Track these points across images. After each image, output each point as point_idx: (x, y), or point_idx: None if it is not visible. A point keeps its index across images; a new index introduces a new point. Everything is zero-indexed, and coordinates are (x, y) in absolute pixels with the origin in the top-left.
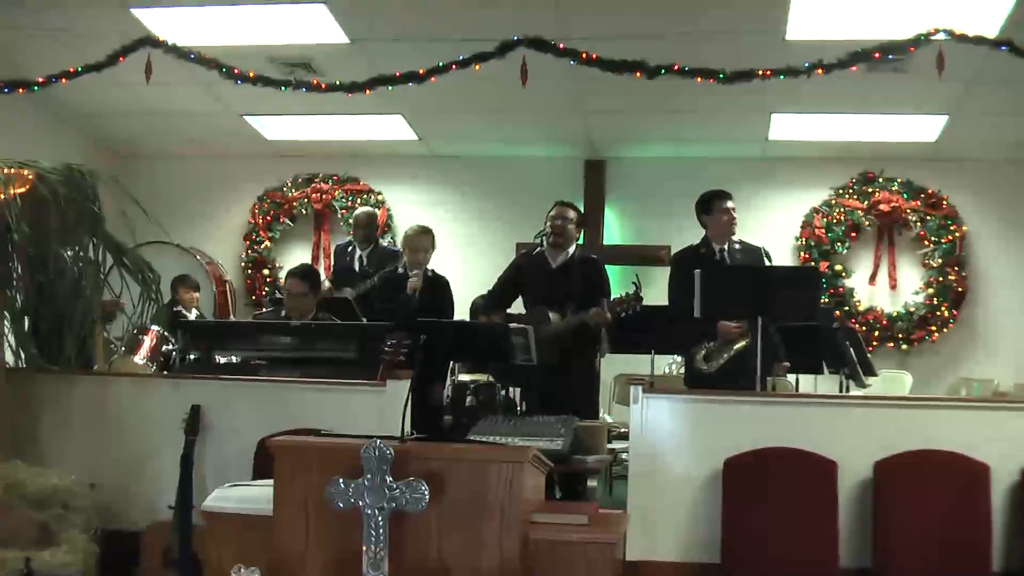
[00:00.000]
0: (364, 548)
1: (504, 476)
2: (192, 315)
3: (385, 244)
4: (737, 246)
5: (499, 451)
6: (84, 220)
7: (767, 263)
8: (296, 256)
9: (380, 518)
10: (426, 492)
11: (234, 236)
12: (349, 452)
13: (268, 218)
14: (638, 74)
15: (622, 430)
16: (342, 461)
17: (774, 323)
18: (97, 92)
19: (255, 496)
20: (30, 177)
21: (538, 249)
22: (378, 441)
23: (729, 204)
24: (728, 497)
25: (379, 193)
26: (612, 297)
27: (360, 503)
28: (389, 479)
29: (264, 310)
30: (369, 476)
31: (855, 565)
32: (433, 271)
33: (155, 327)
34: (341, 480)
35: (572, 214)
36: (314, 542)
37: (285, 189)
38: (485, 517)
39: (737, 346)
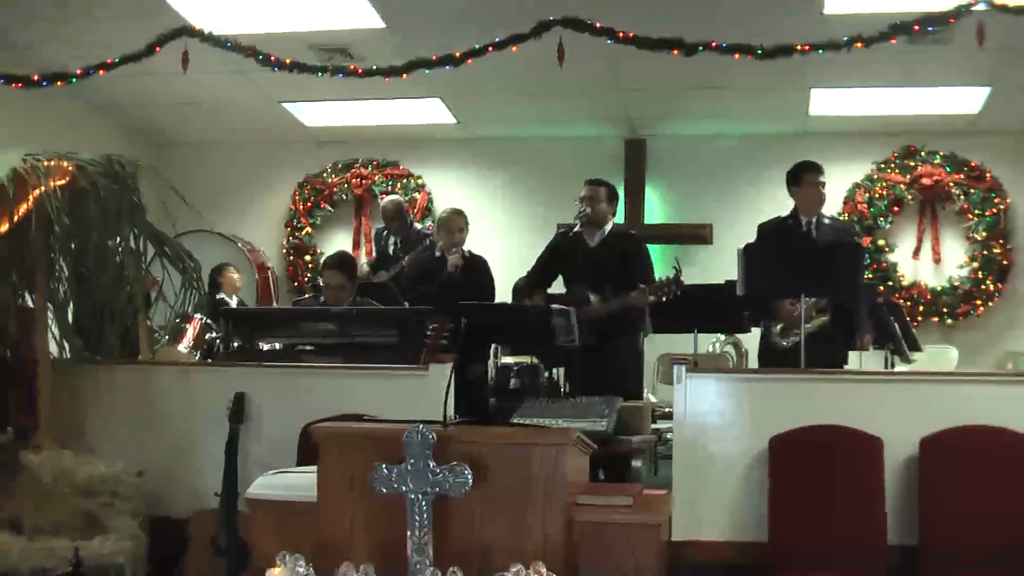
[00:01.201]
0: (408, 533)
1: (547, 459)
2: (234, 300)
3: (420, 228)
4: (827, 221)
5: (542, 434)
6: (124, 211)
7: (855, 241)
8: (337, 242)
9: (424, 503)
10: (469, 476)
11: (275, 223)
12: (392, 437)
13: (308, 204)
14: (676, 52)
15: (666, 410)
16: (385, 446)
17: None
18: (136, 83)
19: (299, 483)
20: (70, 169)
21: (576, 228)
22: (420, 426)
23: (820, 178)
24: (774, 475)
25: (419, 177)
26: (653, 280)
27: (403, 488)
28: (432, 464)
29: (306, 296)
30: (412, 461)
31: (902, 542)
32: (470, 252)
33: (198, 315)
34: (384, 465)
35: (602, 191)
36: (358, 527)
37: (325, 175)
38: (529, 500)
39: (816, 322)
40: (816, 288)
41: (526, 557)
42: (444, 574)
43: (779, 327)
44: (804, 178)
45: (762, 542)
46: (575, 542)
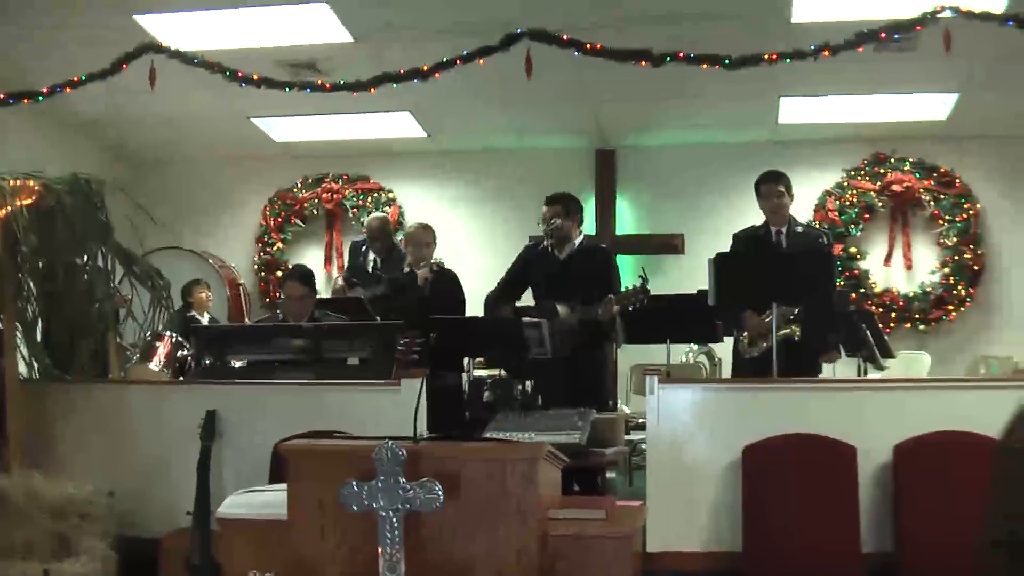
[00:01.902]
0: (380, 550)
1: (519, 473)
2: (205, 318)
3: (403, 249)
4: (799, 229)
5: (513, 448)
6: (92, 229)
7: (824, 248)
8: (308, 257)
9: (395, 519)
10: (440, 492)
11: (246, 239)
12: (362, 454)
13: (279, 220)
14: (644, 63)
15: (640, 420)
16: (355, 463)
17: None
18: (105, 100)
19: (269, 501)
20: (36, 188)
21: (544, 242)
22: (390, 442)
23: (778, 187)
24: (748, 485)
25: (390, 191)
26: (620, 290)
27: (374, 505)
28: (402, 480)
29: (267, 315)
30: (382, 478)
31: (877, 549)
32: (439, 265)
33: (168, 333)
34: (355, 482)
35: (559, 208)
36: (330, 545)
37: (295, 190)
38: (501, 515)
39: (782, 332)
40: (785, 297)
41: (500, 572)
42: None
43: (746, 338)
44: (761, 189)
45: (737, 552)
46: (549, 556)
